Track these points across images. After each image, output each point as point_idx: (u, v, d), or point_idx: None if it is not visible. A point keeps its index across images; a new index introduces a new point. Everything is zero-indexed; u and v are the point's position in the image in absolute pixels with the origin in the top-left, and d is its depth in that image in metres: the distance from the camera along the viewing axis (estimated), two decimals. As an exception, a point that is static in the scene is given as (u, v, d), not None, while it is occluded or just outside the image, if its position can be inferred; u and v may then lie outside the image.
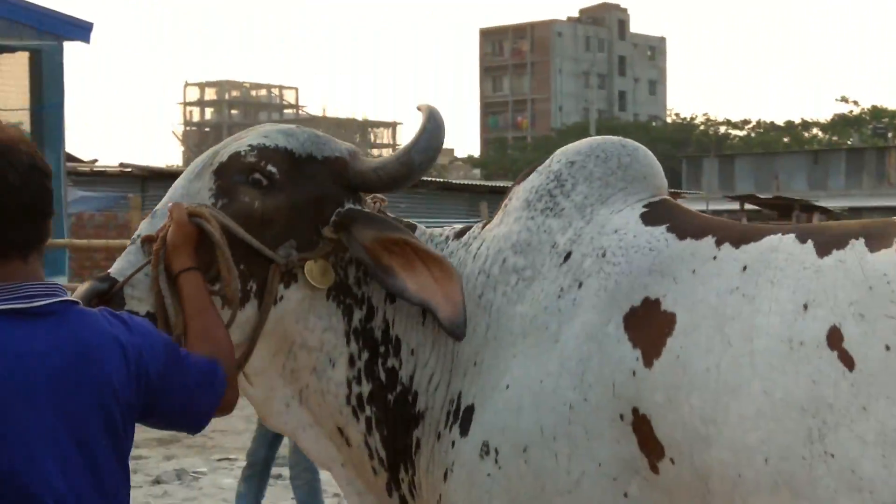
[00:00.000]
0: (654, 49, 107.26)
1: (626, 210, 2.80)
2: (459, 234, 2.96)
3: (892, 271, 2.41)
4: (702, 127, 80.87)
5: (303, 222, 2.78)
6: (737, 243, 2.62)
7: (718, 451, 2.47)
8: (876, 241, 2.48)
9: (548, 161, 2.95)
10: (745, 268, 2.57)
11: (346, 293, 2.82)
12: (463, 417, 2.72)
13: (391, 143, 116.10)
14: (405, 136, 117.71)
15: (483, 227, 2.94)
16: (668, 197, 2.90)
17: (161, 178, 23.90)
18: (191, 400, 2.46)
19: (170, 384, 2.40)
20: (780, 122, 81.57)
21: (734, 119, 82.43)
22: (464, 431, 2.71)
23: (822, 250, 2.52)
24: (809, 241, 2.55)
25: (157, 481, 8.74)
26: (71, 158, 16.00)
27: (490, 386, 2.70)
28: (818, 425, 2.38)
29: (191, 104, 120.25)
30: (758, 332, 2.49)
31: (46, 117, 15.98)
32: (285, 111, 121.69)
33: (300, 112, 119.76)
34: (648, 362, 2.56)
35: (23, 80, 16.37)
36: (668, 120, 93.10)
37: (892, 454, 2.31)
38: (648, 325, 2.60)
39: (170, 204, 2.74)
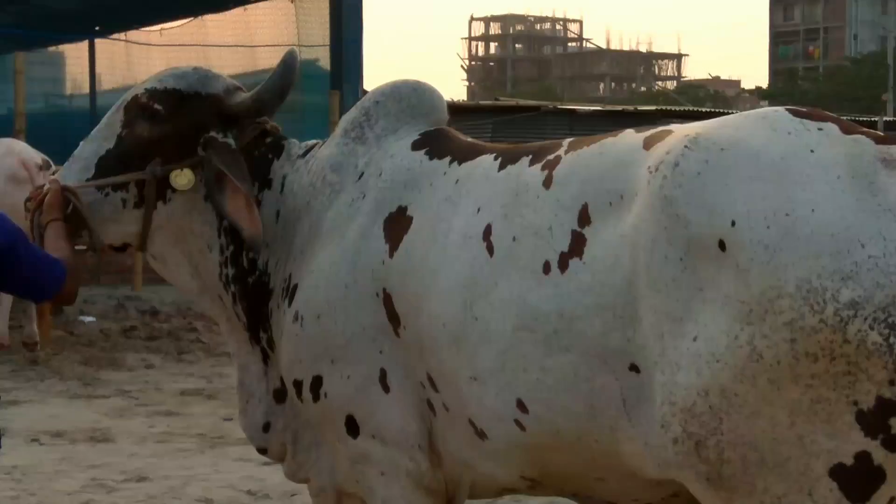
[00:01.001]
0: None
1: (405, 140, 3.59)
2: (306, 153, 3.80)
3: (533, 181, 3.19)
4: None
5: (182, 142, 3.70)
6: (461, 161, 3.45)
7: (424, 319, 3.31)
8: (536, 158, 3.27)
9: (363, 98, 3.78)
10: (457, 181, 3.40)
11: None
12: (290, 293, 3.62)
13: (675, 75, 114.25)
14: (690, 69, 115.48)
15: (319, 148, 3.78)
16: (444, 128, 3.65)
17: (450, 112, 24.28)
18: (34, 275, 3.47)
19: (15, 256, 3.40)
20: None
21: None
22: (289, 303, 3.60)
23: (501, 166, 3.33)
24: (500, 158, 3.37)
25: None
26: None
27: (305, 270, 3.58)
28: (471, 297, 3.21)
29: (476, 39, 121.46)
30: (452, 229, 3.31)
31: (345, 53, 16.37)
32: (569, 45, 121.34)
33: (584, 45, 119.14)
34: (392, 254, 3.42)
35: (324, 17, 16.84)
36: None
37: (505, 315, 3.13)
38: (396, 226, 3.44)
39: (52, 177, 3.84)
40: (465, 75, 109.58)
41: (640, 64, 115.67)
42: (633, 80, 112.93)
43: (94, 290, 13.63)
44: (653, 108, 26.10)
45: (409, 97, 3.68)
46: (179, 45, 18.17)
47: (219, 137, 3.69)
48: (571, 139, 3.30)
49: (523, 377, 3.11)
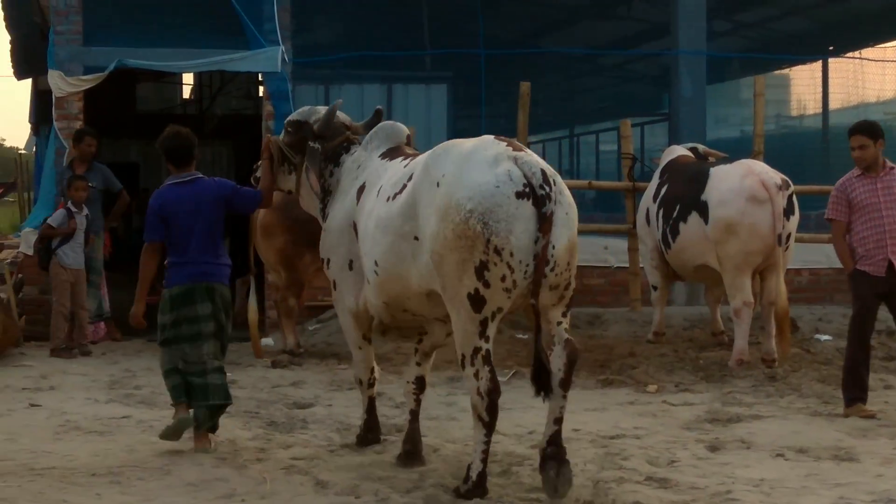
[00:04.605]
0: None
1: (380, 151, 7.34)
2: (352, 155, 7.67)
3: (402, 165, 6.88)
4: None
5: (299, 145, 7.67)
6: (391, 160, 7.12)
7: (361, 231, 6.92)
8: (412, 157, 6.96)
9: (372, 129, 7.58)
10: (386, 168, 7.02)
11: (321, 172, 7.62)
12: (328, 219, 7.54)
13: None
14: None
15: (358, 151, 7.54)
16: (399, 144, 7.35)
17: None
18: (245, 203, 7.83)
19: (234, 199, 7.74)
20: None
21: None
22: (326, 222, 7.54)
23: (402, 161, 6.95)
24: (405, 158, 7.03)
25: None
26: None
27: (334, 209, 7.43)
28: (368, 217, 6.80)
29: None
30: (376, 190, 6.88)
31: None
32: None
33: None
34: (357, 203, 7.11)
35: None
36: None
37: (373, 222, 6.75)
38: (361, 192, 7.12)
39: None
40: None
41: None
42: None
43: (828, 309, 13.61)
44: None
45: (388, 129, 7.42)
46: (916, 59, 17.72)
47: (311, 144, 7.60)
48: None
49: (376, 249, 6.60)
